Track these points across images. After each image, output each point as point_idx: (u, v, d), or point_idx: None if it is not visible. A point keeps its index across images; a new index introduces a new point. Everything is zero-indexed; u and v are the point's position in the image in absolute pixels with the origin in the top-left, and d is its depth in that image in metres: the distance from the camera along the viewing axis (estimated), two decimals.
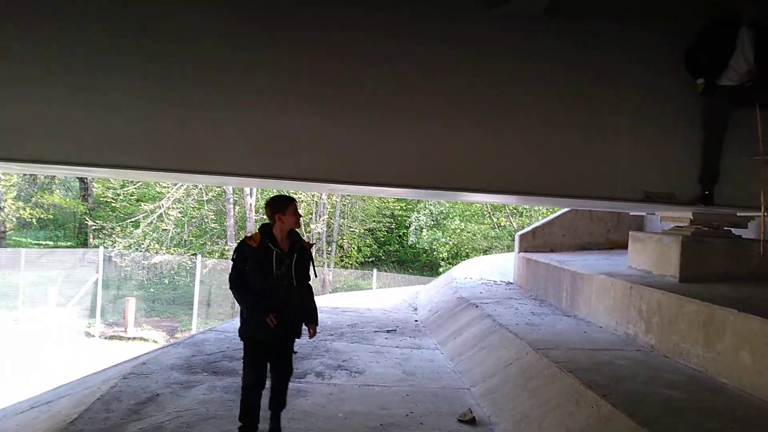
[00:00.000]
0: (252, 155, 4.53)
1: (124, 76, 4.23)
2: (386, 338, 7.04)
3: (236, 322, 7.74)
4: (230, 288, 3.76)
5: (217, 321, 18.35)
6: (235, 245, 21.71)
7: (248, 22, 4.46)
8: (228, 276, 3.77)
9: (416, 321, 8.35)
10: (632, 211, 8.22)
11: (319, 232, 23.54)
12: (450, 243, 24.76)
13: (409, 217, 26.71)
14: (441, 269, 24.19)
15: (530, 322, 6.18)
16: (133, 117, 4.27)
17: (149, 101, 4.30)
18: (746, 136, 4.93)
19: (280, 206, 3.73)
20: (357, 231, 25.74)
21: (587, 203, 6.93)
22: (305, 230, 24.19)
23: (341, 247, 26.13)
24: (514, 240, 22.35)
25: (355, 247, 26.16)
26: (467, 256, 23.24)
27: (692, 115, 5.04)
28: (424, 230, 25.05)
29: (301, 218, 3.90)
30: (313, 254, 4.10)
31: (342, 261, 25.86)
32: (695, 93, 4.94)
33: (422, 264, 27.53)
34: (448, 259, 25.01)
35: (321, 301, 10.99)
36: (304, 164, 4.62)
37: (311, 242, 4.11)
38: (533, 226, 9.60)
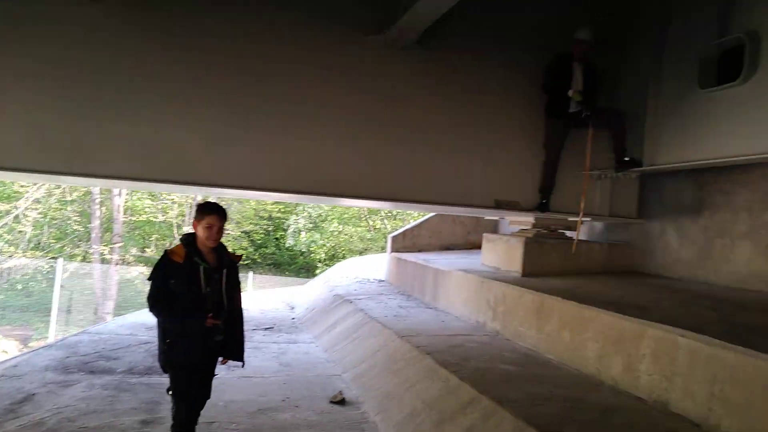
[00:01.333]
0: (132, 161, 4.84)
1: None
2: (264, 335, 7.36)
3: (112, 325, 7.69)
4: (150, 309, 3.26)
5: (77, 328, 17.35)
6: (100, 248, 20.56)
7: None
8: (146, 297, 3.27)
9: (293, 319, 8.73)
10: (487, 216, 9.21)
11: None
12: (328, 245, 25.32)
13: (287, 220, 26.83)
14: (318, 271, 24.60)
15: (398, 314, 6.83)
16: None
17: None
18: (577, 154, 5.94)
19: (197, 214, 3.31)
20: (233, 233, 25.41)
21: (451, 209, 7.83)
22: (177, 232, 23.50)
23: None
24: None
25: (230, 250, 25.73)
26: (344, 257, 23.88)
27: (534, 137, 6.01)
28: (303, 232, 25.37)
29: (215, 235, 3.32)
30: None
31: None
32: (537, 118, 5.90)
33: (299, 266, 27.72)
34: (325, 260, 25.51)
35: None
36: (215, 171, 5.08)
37: (239, 254, 3.62)
38: (403, 228, 10.37)
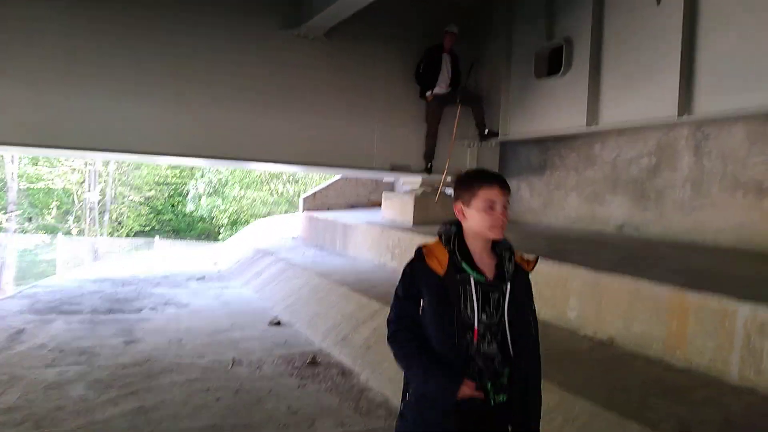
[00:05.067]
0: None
1: None
2: (198, 283, 8.53)
3: (57, 280, 8.48)
4: (387, 339, 1.99)
5: None
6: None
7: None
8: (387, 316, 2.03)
9: (219, 271, 9.91)
10: (385, 179, 10.80)
11: (92, 201, 22.81)
12: (230, 210, 25.82)
13: (185, 185, 26.87)
14: (220, 236, 25.17)
15: (314, 260, 8.27)
16: None
17: None
18: (450, 126, 7.59)
19: (463, 190, 1.94)
20: (133, 199, 25.33)
21: (356, 172, 9.33)
22: (77, 199, 23.18)
23: (112, 217, 25.44)
24: (291, 205, 24.32)
25: (130, 216, 25.67)
26: (247, 222, 24.66)
27: (419, 113, 7.58)
28: (203, 198, 25.63)
29: (503, 221, 1.90)
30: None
31: (116, 231, 25.26)
32: (421, 99, 7.45)
33: (198, 232, 27.91)
34: (228, 225, 26.04)
35: (116, 264, 11.78)
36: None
37: (530, 258, 2.05)
38: (314, 190, 11.78)
